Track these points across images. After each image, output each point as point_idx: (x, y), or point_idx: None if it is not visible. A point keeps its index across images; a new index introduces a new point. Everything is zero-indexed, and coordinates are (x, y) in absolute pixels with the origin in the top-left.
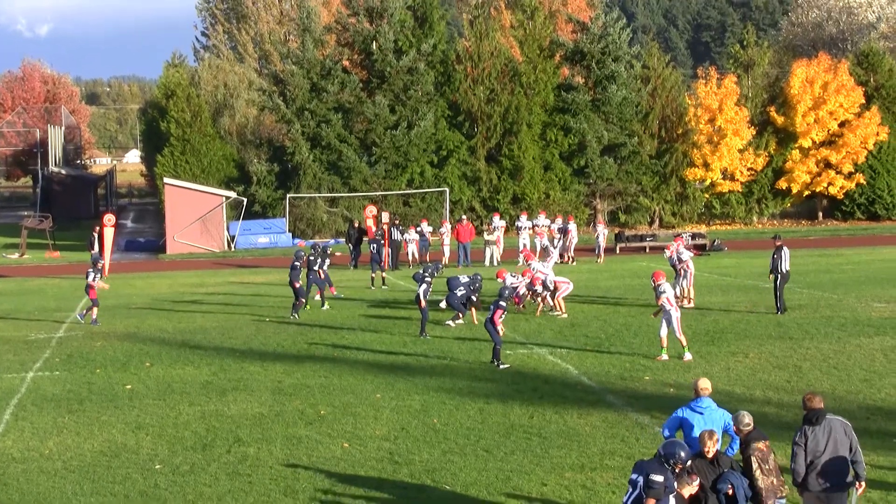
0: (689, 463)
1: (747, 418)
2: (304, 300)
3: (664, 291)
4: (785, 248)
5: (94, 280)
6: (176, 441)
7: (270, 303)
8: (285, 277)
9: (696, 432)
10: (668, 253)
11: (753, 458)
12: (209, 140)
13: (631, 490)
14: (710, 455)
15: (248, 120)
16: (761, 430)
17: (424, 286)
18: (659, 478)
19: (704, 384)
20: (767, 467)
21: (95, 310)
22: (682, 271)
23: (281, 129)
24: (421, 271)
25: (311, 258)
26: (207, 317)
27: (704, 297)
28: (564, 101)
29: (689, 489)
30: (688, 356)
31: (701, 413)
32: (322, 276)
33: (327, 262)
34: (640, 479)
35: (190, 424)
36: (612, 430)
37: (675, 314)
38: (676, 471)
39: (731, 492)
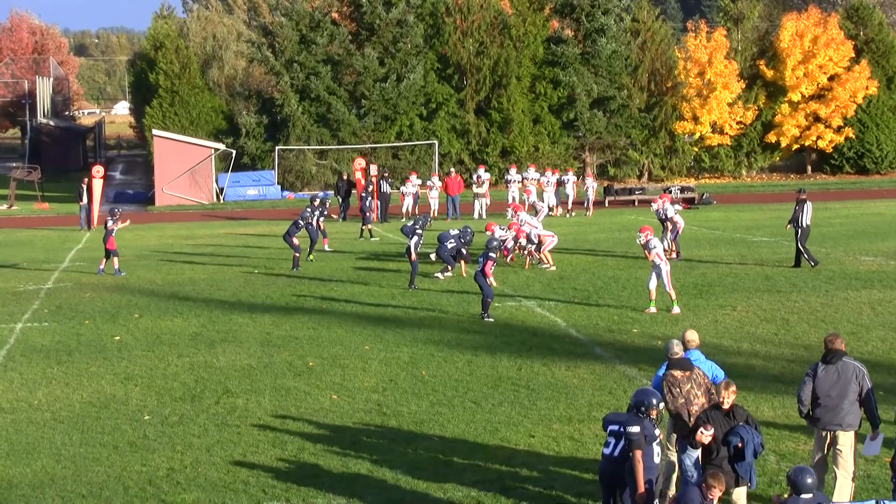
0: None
1: (676, 346)
2: (299, 254)
3: (654, 246)
4: (808, 202)
5: (113, 228)
6: (165, 392)
7: (260, 255)
8: (274, 230)
9: None
10: (654, 206)
11: (664, 383)
12: (198, 92)
13: (614, 441)
14: (725, 406)
15: (237, 72)
16: (747, 381)
17: (415, 238)
18: (636, 428)
19: (691, 336)
20: (679, 392)
21: (116, 259)
22: (669, 226)
23: (270, 81)
24: (411, 224)
25: (310, 210)
26: (196, 269)
27: (692, 250)
28: (554, 54)
29: (706, 437)
30: (676, 310)
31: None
32: (320, 227)
33: (325, 213)
34: (621, 428)
35: (179, 375)
36: (599, 383)
37: (665, 267)
38: (652, 417)
39: (740, 445)
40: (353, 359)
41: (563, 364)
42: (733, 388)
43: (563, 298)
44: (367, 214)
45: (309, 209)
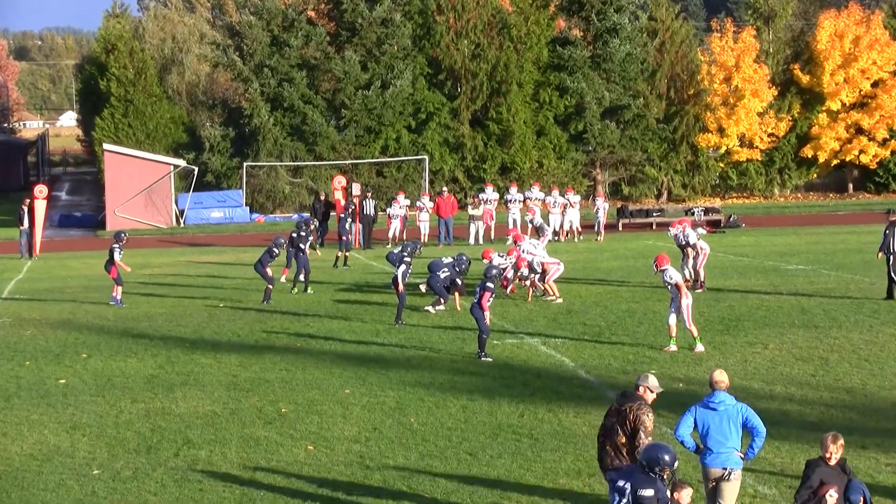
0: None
1: (655, 381)
2: (272, 286)
3: (671, 279)
4: None
5: (119, 256)
6: (117, 443)
7: (226, 286)
8: (242, 257)
9: (713, 431)
10: (672, 231)
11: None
12: (155, 101)
13: (618, 498)
14: (832, 461)
15: (200, 78)
16: (781, 429)
17: (403, 267)
18: (648, 492)
19: (720, 377)
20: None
21: (119, 288)
22: (691, 253)
23: (237, 88)
24: (398, 251)
25: (296, 235)
26: (153, 302)
27: (718, 279)
28: (560, 57)
29: (833, 500)
30: (699, 347)
31: (716, 409)
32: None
33: (309, 239)
34: (628, 486)
35: (133, 424)
36: None
37: (686, 301)
38: (664, 477)
39: (862, 502)
40: (332, 404)
41: (571, 410)
42: (841, 441)
43: (570, 335)
44: (346, 239)
45: (282, 239)
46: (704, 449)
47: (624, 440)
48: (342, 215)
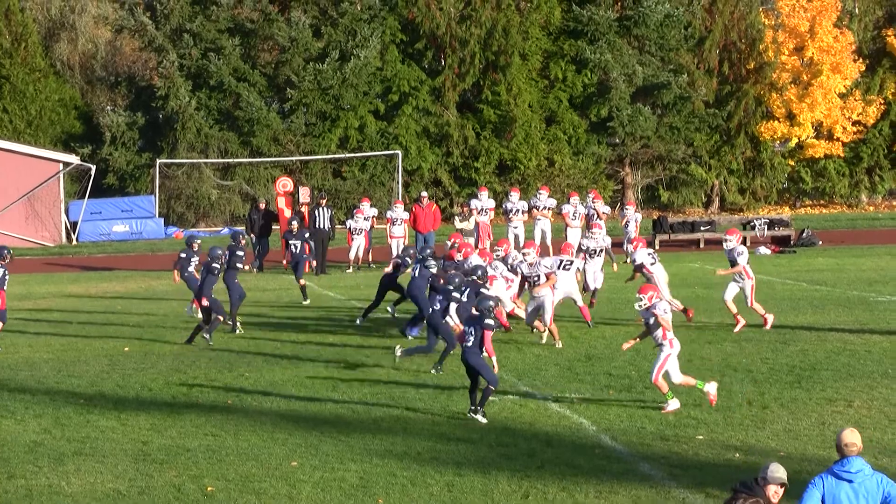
0: None
1: (783, 472)
2: (221, 316)
3: (665, 311)
4: None
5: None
6: None
7: (132, 323)
8: (154, 285)
9: None
10: (730, 243)
11: None
12: (39, 77)
13: None
14: None
15: (98, 47)
16: None
17: (454, 305)
18: None
19: (852, 438)
20: None
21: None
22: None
23: (147, 60)
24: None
25: (229, 253)
26: (37, 344)
27: (787, 315)
28: (577, 19)
29: None
30: (671, 405)
31: (850, 481)
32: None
33: (241, 263)
34: None
35: None
36: None
37: (673, 350)
38: None
39: None
40: (274, 481)
41: (591, 489)
42: None
43: (591, 389)
44: (299, 262)
45: (218, 250)
46: None
47: None
48: (288, 231)
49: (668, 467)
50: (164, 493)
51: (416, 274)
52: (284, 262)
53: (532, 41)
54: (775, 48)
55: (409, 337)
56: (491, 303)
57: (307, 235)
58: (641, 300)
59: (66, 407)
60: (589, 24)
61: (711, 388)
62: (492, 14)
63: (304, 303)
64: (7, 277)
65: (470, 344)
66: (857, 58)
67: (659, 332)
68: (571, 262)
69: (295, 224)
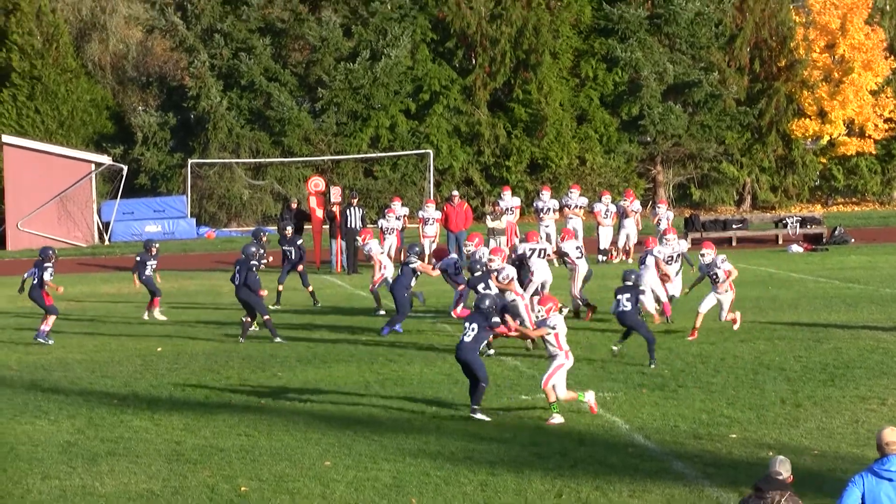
0: None
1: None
2: (265, 315)
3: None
4: None
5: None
6: None
7: (164, 323)
8: (186, 285)
9: None
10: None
11: None
12: (71, 78)
13: None
14: None
15: (130, 47)
16: None
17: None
18: None
19: (892, 437)
20: None
21: (51, 319)
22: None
23: (179, 60)
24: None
25: (140, 259)
26: (70, 345)
27: (820, 313)
28: (608, 17)
29: None
30: (555, 419)
31: (891, 480)
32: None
33: (264, 261)
34: None
35: None
36: None
37: (567, 363)
38: None
39: None
40: (307, 480)
41: (624, 488)
42: None
43: (624, 387)
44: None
45: (252, 247)
46: None
47: None
48: (282, 237)
49: (702, 466)
50: (197, 493)
51: (402, 272)
52: (317, 262)
53: (563, 39)
54: (806, 46)
55: (383, 334)
56: (488, 301)
57: (300, 242)
58: (540, 311)
59: (99, 407)
60: (619, 22)
61: (590, 396)
62: (522, 13)
63: (316, 305)
64: (53, 273)
65: (467, 340)
66: (888, 55)
67: (554, 342)
68: (544, 250)
69: (289, 230)
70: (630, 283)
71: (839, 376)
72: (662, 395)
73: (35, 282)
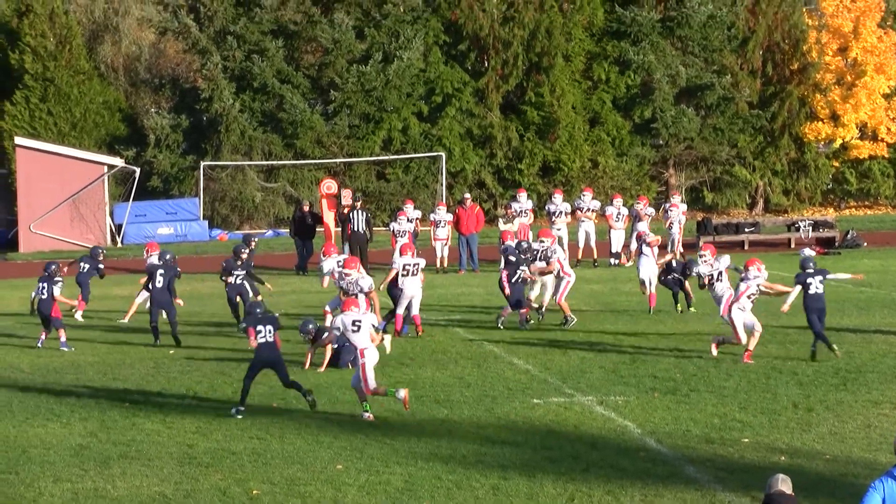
0: None
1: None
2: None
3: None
4: None
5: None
6: None
7: (178, 326)
8: (198, 288)
9: None
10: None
11: None
12: (83, 80)
13: None
14: None
15: (142, 49)
16: None
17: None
18: None
19: None
20: None
21: (62, 331)
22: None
23: (191, 63)
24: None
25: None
26: (82, 348)
27: (833, 317)
28: (620, 20)
29: None
30: (366, 415)
31: None
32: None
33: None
34: None
35: None
36: None
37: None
38: None
39: None
40: (319, 484)
41: (636, 492)
42: None
43: (636, 391)
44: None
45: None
46: None
47: None
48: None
49: (714, 470)
50: (209, 496)
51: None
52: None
53: (575, 42)
54: (819, 49)
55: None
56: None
57: (252, 266)
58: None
59: (111, 410)
60: (632, 25)
61: (401, 393)
62: (535, 15)
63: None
64: (62, 287)
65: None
66: None
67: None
68: (416, 265)
69: (245, 253)
70: (811, 270)
71: (851, 380)
72: (674, 399)
73: (45, 297)
